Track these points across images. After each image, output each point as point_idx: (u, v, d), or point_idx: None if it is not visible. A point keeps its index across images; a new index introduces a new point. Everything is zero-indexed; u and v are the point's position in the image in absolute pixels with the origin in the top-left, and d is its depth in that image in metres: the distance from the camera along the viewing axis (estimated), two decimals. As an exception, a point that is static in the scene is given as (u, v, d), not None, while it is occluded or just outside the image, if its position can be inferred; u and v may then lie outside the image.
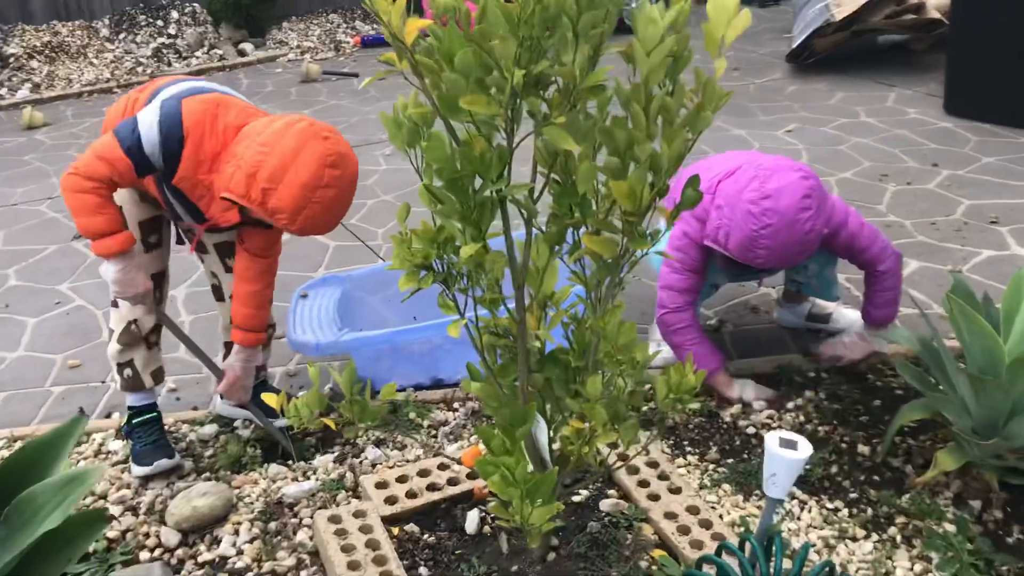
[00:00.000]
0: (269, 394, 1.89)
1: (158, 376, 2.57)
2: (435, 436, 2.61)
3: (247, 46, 8.09)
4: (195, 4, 8.45)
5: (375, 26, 8.64)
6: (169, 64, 7.79)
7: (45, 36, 7.94)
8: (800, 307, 3.05)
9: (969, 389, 2.04)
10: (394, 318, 3.13)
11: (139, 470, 2.51)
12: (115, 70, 7.69)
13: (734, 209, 2.36)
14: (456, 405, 2.74)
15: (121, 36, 8.12)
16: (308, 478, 2.48)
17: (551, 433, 1.98)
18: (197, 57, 7.93)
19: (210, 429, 2.72)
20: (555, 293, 1.88)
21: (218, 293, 2.63)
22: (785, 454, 1.96)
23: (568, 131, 1.57)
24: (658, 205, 1.65)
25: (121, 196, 2.35)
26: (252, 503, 2.39)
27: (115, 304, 2.47)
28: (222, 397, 2.62)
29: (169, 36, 8.14)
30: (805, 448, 1.96)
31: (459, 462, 2.36)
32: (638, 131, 1.56)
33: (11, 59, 7.62)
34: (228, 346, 2.68)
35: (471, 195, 1.61)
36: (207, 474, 2.53)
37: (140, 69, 7.70)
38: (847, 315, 3.00)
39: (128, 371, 2.51)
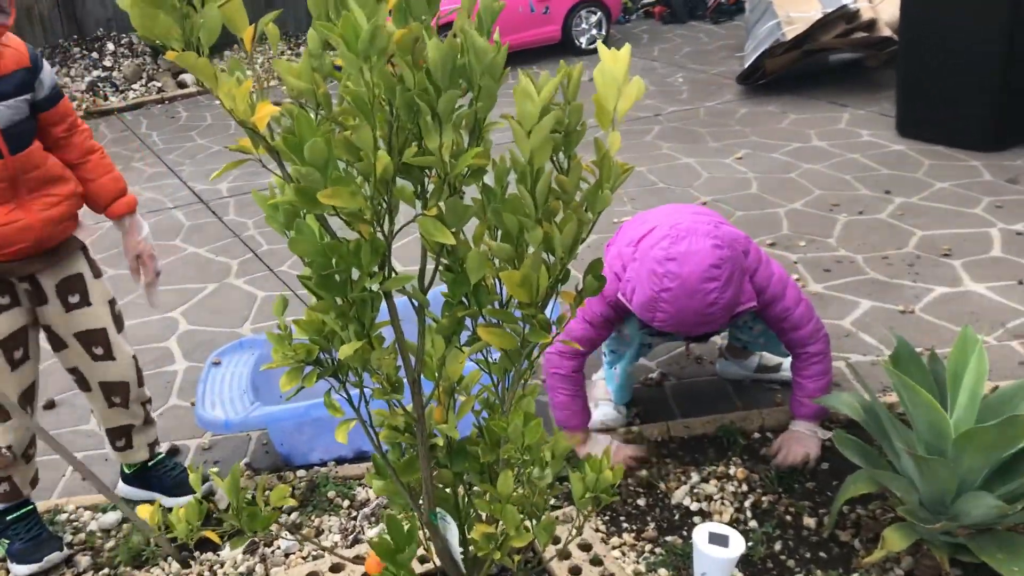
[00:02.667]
0: (145, 506, 1.69)
1: (35, 482, 2.40)
2: (355, 518, 2.42)
3: (187, 77, 7.86)
4: (132, 35, 8.22)
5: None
6: (105, 98, 7.54)
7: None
8: (747, 360, 2.89)
9: (914, 467, 1.88)
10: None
11: (24, 569, 2.29)
12: (50, 105, 7.43)
13: (642, 266, 2.25)
14: (379, 480, 2.55)
15: (55, 70, 7.86)
16: (214, 575, 2.27)
17: (465, 532, 1.81)
18: (134, 90, 7.69)
19: (112, 517, 2.51)
20: (463, 378, 1.71)
21: (83, 384, 2.41)
22: (715, 552, 1.79)
23: (450, 216, 1.41)
24: (562, 290, 1.49)
25: None
26: (148, 607, 2.19)
27: None
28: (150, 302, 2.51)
29: (105, 68, 7.89)
30: (737, 545, 1.79)
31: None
32: (526, 215, 1.39)
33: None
34: (111, 432, 2.47)
35: (348, 290, 1.44)
36: (105, 570, 2.32)
37: (74, 104, 7.45)
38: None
39: (5, 486, 2.30)
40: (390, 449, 1.77)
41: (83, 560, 2.36)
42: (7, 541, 2.34)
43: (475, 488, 1.79)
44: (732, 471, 2.45)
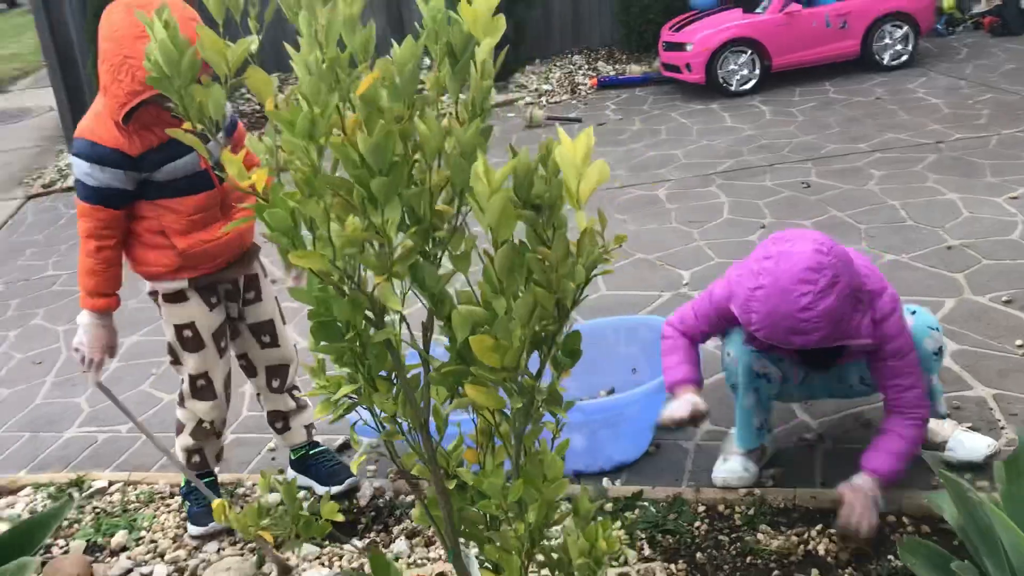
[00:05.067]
0: (218, 502, 1.95)
1: (220, 457, 2.81)
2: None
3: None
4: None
5: (616, 66, 8.63)
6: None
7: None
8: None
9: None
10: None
11: (195, 530, 2.70)
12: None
13: (744, 265, 2.27)
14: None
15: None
16: (332, 565, 2.53)
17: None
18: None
19: (275, 497, 2.86)
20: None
21: (251, 370, 2.78)
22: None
23: (429, 279, 1.51)
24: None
25: (191, 311, 2.54)
26: (269, 584, 2.49)
27: (181, 404, 2.68)
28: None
29: (420, 81, 8.66)
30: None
31: None
32: (490, 287, 1.44)
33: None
34: (272, 415, 2.84)
35: (342, 336, 1.57)
36: (252, 544, 2.66)
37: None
38: (968, 443, 2.54)
39: (197, 457, 2.72)
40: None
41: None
42: (188, 504, 2.77)
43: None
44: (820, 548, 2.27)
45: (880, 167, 5.14)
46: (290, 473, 2.95)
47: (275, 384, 2.76)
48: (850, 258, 2.20)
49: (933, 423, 2.60)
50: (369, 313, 1.55)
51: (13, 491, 3.25)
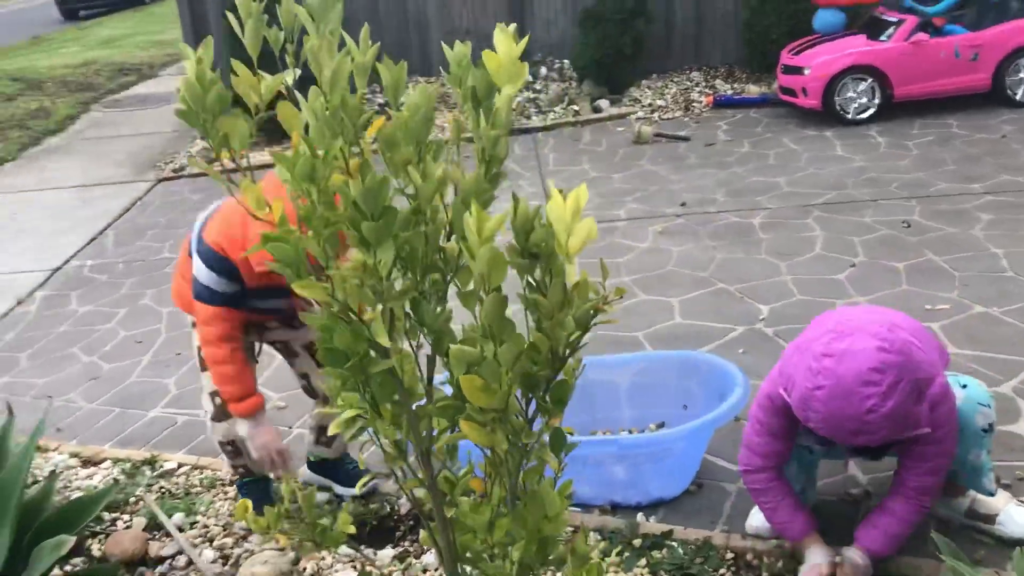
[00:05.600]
0: (243, 502, 2.06)
1: None
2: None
3: (603, 103, 8.41)
4: (564, 60, 9.00)
5: (734, 85, 8.49)
6: (529, 118, 8.38)
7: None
8: (957, 500, 2.52)
9: None
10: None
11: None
12: (482, 120, 8.46)
13: (801, 359, 2.17)
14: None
15: (494, 89, 8.91)
16: (363, 568, 2.62)
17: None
18: (555, 112, 8.43)
19: (323, 496, 2.98)
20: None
21: (311, 392, 2.87)
22: None
23: (426, 317, 1.57)
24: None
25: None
26: (302, 581, 2.61)
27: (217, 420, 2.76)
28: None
29: (535, 91, 8.75)
30: None
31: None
32: (479, 332, 1.49)
33: (401, 106, 8.75)
34: (320, 430, 2.92)
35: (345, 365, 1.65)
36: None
37: (503, 120, 8.39)
38: (1021, 519, 2.43)
39: (241, 468, 2.85)
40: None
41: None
42: (240, 497, 2.92)
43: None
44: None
45: (990, 211, 4.90)
46: (305, 473, 3.05)
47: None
48: (911, 348, 2.11)
49: (981, 498, 2.49)
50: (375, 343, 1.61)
51: (96, 463, 3.49)
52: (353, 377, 1.67)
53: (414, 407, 1.70)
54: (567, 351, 1.59)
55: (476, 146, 1.56)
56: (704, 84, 8.63)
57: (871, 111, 6.93)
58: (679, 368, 3.20)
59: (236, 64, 1.49)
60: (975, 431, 2.33)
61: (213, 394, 2.69)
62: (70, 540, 1.98)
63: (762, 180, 5.93)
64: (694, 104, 8.20)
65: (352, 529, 2.06)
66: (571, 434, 1.72)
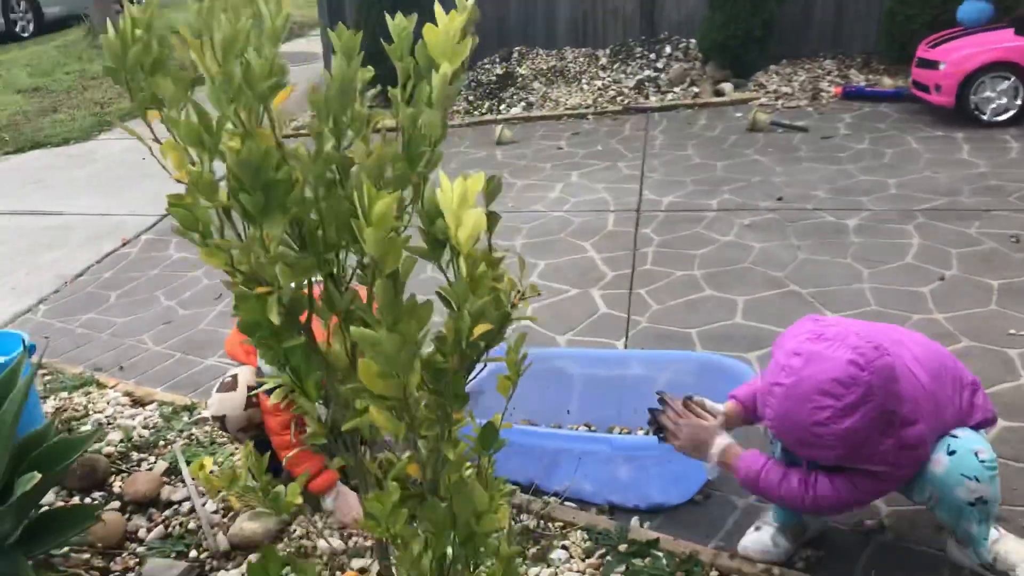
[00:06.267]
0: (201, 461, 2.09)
1: None
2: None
3: (726, 86, 8.10)
4: (691, 40, 8.70)
5: (869, 77, 8.01)
6: (647, 97, 8.17)
7: (552, 60, 8.88)
8: (968, 548, 2.29)
9: None
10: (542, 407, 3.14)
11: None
12: (598, 97, 8.31)
13: (777, 349, 2.07)
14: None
15: (615, 66, 8.72)
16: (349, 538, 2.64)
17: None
18: (674, 92, 8.18)
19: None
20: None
21: None
22: None
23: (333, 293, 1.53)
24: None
25: None
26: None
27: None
28: None
29: (656, 69, 8.52)
30: None
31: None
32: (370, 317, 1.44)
33: (519, 79, 8.69)
34: None
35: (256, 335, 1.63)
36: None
37: (619, 99, 8.21)
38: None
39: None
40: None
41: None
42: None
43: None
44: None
45: (1116, 232, 4.43)
46: None
47: None
48: (894, 376, 1.93)
49: (1005, 545, 2.25)
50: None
51: (144, 403, 3.64)
52: (270, 350, 1.65)
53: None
54: (476, 345, 1.52)
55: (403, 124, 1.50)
56: (837, 73, 8.17)
57: (1011, 113, 6.37)
58: (719, 372, 3.04)
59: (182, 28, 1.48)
60: (958, 503, 2.11)
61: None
62: (36, 477, 2.06)
63: (871, 180, 5.56)
64: (822, 94, 7.77)
65: (299, 499, 2.06)
66: (507, 428, 1.67)
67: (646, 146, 6.92)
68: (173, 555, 2.64)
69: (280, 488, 2.01)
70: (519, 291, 1.53)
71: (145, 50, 1.48)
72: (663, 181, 5.99)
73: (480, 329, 1.49)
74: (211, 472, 2.04)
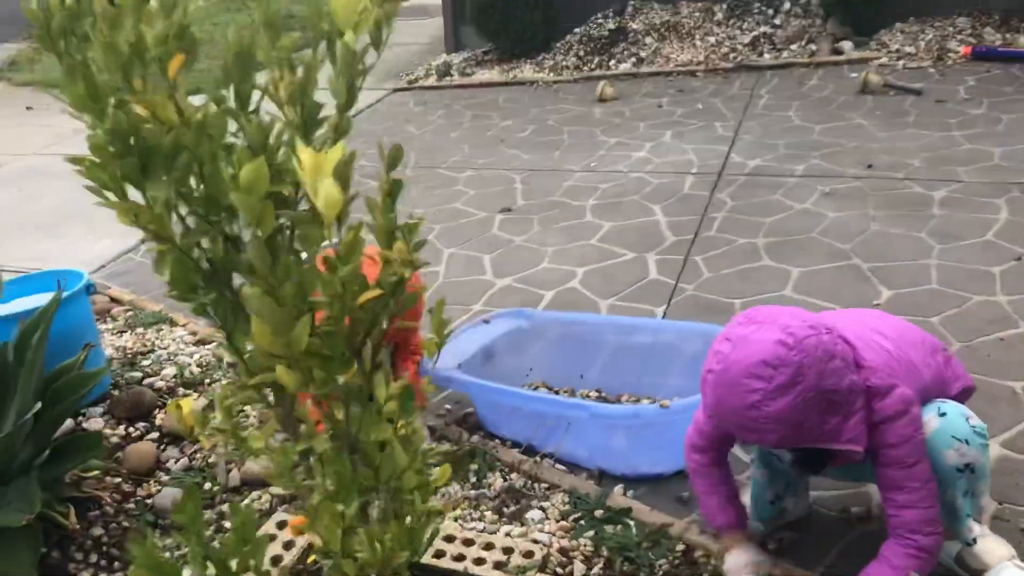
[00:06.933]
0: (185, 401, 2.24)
1: None
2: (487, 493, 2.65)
3: (846, 44, 7.71)
4: (814, -4, 8.31)
5: (1008, 35, 7.43)
6: (760, 55, 7.89)
7: (666, 15, 8.66)
8: (947, 544, 2.19)
9: None
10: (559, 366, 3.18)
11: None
12: (710, 54, 8.07)
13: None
14: (515, 476, 2.72)
15: (731, 21, 8.43)
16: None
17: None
18: (790, 50, 7.85)
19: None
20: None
21: None
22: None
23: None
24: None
25: None
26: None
27: None
28: None
29: (773, 26, 8.18)
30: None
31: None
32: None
33: (631, 34, 8.53)
34: None
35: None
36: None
37: (732, 56, 7.95)
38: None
39: None
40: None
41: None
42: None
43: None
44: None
45: None
46: None
47: None
48: (830, 353, 1.86)
49: (983, 544, 2.15)
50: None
51: (205, 343, 3.89)
52: (196, 306, 1.75)
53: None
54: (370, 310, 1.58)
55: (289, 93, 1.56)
56: (969, 32, 7.61)
57: None
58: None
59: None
60: (946, 468, 2.02)
61: None
62: (36, 406, 2.27)
63: (974, 148, 5.21)
64: (949, 54, 7.28)
65: (261, 443, 2.18)
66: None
67: (748, 106, 6.71)
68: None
69: (247, 436, 2.14)
70: (411, 259, 1.58)
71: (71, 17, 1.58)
72: (754, 143, 5.81)
73: (366, 296, 1.55)
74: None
